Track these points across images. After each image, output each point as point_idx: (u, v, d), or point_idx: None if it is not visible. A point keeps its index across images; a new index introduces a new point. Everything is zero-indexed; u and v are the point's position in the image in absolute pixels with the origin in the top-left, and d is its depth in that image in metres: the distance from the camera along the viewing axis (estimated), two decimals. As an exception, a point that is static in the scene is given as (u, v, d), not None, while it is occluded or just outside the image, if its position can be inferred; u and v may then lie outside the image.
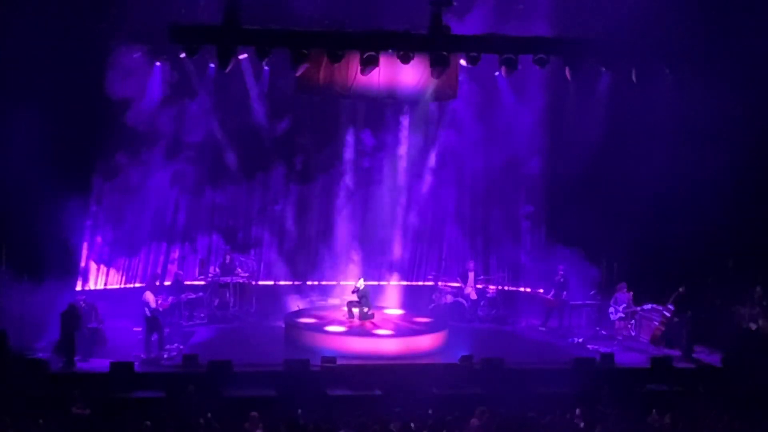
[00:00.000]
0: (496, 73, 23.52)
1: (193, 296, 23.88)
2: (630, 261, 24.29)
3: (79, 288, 22.84)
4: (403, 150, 25.99)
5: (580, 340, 23.17)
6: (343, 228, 25.93)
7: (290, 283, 26.10)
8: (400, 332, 22.36)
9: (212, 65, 23.18)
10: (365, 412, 17.04)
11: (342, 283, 25.63)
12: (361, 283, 23.16)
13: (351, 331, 22.09)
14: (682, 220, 22.67)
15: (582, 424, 16.74)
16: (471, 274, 25.88)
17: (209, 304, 24.35)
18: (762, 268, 22.46)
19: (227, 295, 24.64)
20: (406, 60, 20.14)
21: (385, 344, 21.65)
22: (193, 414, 16.44)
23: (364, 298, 22.89)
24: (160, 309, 20.89)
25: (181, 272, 24.59)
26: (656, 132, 22.63)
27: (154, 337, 20.55)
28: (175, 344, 21.12)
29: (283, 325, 22.89)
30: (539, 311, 25.23)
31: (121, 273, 24.62)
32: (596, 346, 22.56)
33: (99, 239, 23.71)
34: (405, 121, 25.86)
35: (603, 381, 19.64)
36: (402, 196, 26.37)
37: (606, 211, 23.96)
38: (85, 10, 21.07)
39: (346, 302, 23.28)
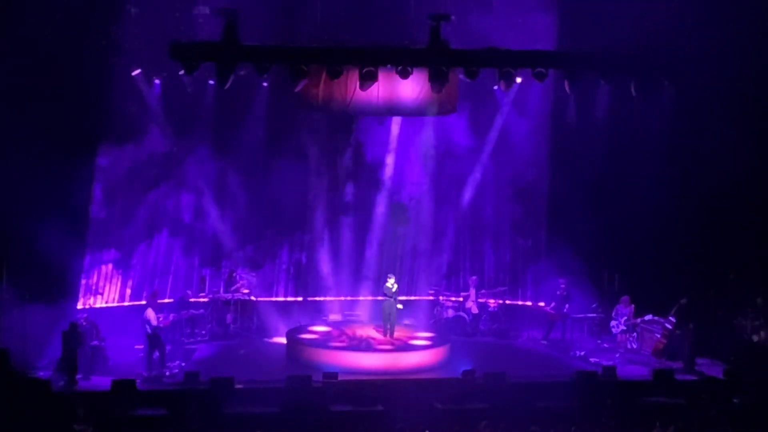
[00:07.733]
0: (495, 87, 23.55)
1: (195, 313, 23.85)
2: (632, 273, 24.29)
3: (80, 306, 22.79)
4: (404, 164, 25.99)
5: (582, 353, 23.14)
6: (346, 244, 25.88)
7: (292, 299, 26.15)
8: (401, 347, 22.34)
9: (211, 82, 23.18)
10: (368, 428, 17.04)
11: (343, 298, 25.60)
12: (391, 283, 22.99)
13: (352, 347, 22.13)
14: (683, 232, 22.68)
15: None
16: (472, 289, 25.85)
17: (210, 321, 24.31)
18: (763, 280, 22.44)
19: (228, 311, 24.59)
20: (405, 75, 20.11)
21: (387, 359, 21.67)
22: (195, 431, 16.46)
23: (392, 314, 22.81)
24: (162, 326, 20.90)
25: (189, 291, 24.50)
26: (657, 144, 22.62)
27: (156, 354, 20.55)
28: (177, 361, 21.12)
29: (285, 342, 22.88)
30: (541, 325, 25.20)
31: (122, 290, 24.55)
32: (598, 359, 22.53)
33: (100, 257, 23.66)
34: (406, 135, 25.88)
35: (605, 394, 19.64)
36: (405, 211, 26.37)
37: (607, 223, 23.95)
38: (86, 28, 21.11)
39: (374, 323, 23.35)
